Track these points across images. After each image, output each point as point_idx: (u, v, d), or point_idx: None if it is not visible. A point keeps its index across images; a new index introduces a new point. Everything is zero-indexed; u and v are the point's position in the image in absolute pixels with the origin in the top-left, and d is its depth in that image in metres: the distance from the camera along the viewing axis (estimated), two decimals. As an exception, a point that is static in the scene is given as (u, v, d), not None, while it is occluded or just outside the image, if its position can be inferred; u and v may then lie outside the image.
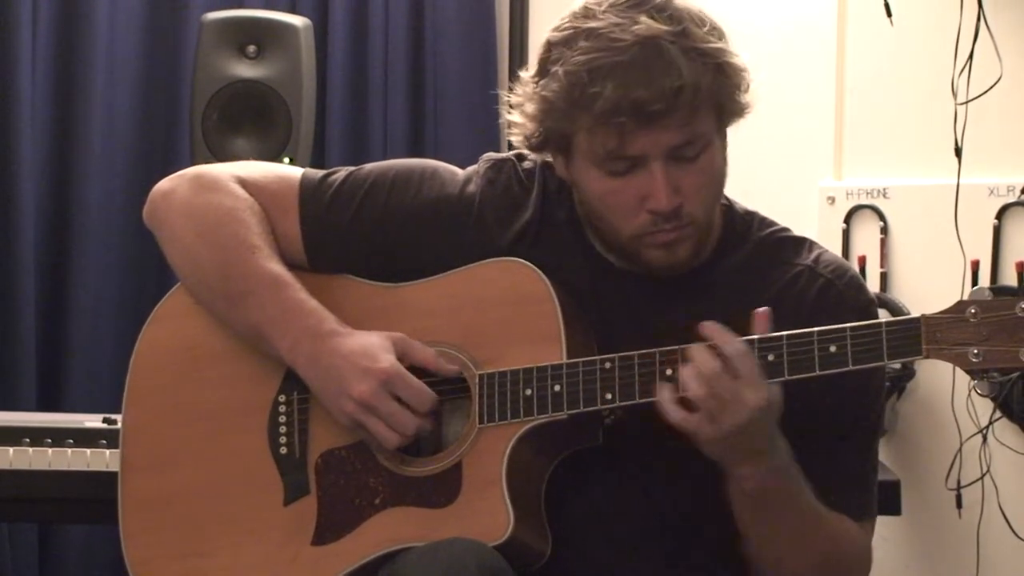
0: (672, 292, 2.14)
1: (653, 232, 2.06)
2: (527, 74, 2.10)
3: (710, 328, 1.97)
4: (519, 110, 2.10)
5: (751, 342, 1.97)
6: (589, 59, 1.98)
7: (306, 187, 2.25)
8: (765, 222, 2.21)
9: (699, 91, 1.99)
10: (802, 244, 2.19)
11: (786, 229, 2.21)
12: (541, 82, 2.05)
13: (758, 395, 1.94)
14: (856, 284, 2.16)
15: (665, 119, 1.98)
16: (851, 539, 2.14)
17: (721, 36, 2.05)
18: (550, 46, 2.06)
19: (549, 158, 2.16)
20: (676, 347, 2.01)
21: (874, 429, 2.20)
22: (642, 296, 2.15)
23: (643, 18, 1.99)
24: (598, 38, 1.99)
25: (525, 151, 2.20)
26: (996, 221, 3.54)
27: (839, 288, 2.14)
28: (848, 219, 3.72)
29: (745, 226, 2.19)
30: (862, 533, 2.16)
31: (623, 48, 1.98)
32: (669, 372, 2.00)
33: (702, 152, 2.04)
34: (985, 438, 3.51)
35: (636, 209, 2.05)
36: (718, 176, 2.09)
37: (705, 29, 2.02)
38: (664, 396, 1.97)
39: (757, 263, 2.16)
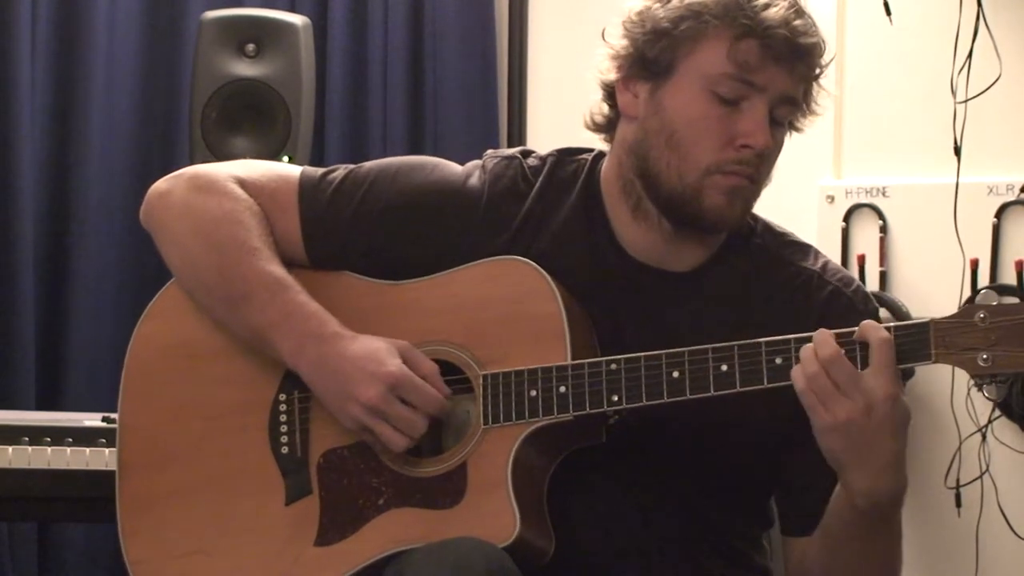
0: (679, 286, 2.16)
1: (728, 172, 2.08)
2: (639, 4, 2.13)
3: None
4: (637, 18, 2.12)
5: (758, 345, 1.98)
6: None
7: (305, 185, 2.24)
8: (769, 225, 2.23)
9: (823, 57, 2.12)
10: (808, 250, 2.21)
11: (790, 233, 2.23)
12: None
13: (883, 388, 1.91)
14: (863, 294, 2.19)
15: (800, 61, 2.09)
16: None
17: None
18: None
19: (614, 90, 2.16)
20: (682, 349, 2.01)
21: None
22: (649, 287, 2.15)
23: None
24: None
25: (529, 148, 2.24)
26: (995, 220, 3.54)
27: (848, 296, 2.16)
28: (847, 218, 3.73)
29: (750, 228, 2.20)
30: None
31: None
32: (676, 375, 2.01)
33: (786, 122, 2.13)
34: (984, 437, 3.51)
35: (724, 142, 2.08)
36: (779, 154, 2.15)
37: None
38: (795, 369, 1.95)
39: (763, 264, 2.18)
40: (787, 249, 2.20)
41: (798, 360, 1.96)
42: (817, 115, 2.15)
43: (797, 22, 2.07)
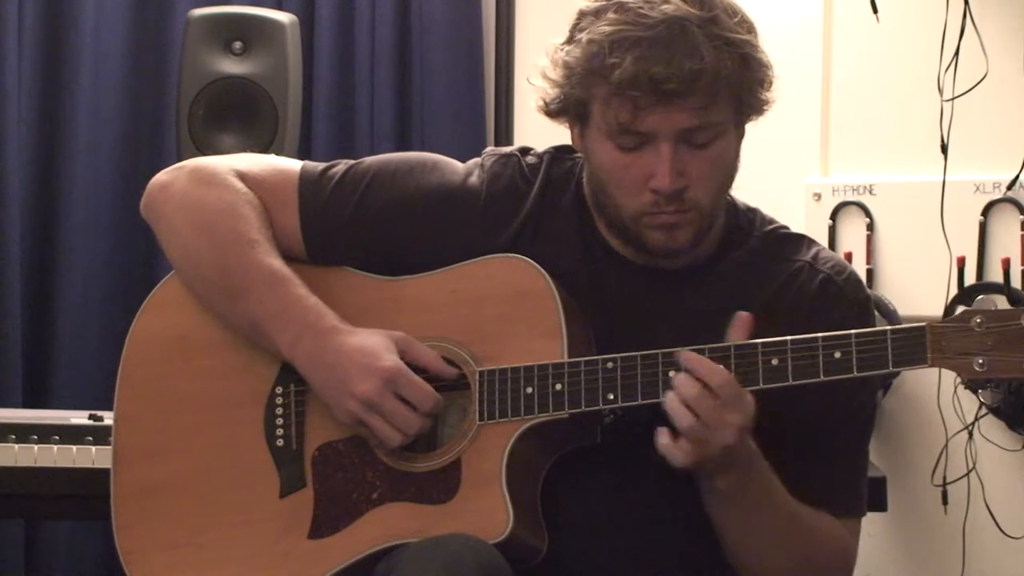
0: (675, 284, 2.15)
1: (654, 213, 2.07)
2: (556, 41, 2.11)
3: (688, 357, 1.99)
4: (543, 74, 2.11)
5: (755, 346, 1.99)
6: (614, 30, 2.00)
7: (306, 180, 2.24)
8: (766, 219, 2.23)
9: (718, 78, 2.00)
10: (801, 241, 2.21)
11: (785, 227, 2.23)
12: (566, 48, 2.06)
13: (742, 414, 1.96)
14: (855, 280, 2.18)
15: (680, 100, 1.99)
16: (831, 536, 2.14)
17: (751, 30, 2.06)
18: (581, 15, 2.07)
19: (565, 125, 2.16)
20: (679, 349, 2.01)
21: (864, 428, 2.21)
22: (644, 286, 2.15)
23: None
24: (626, 12, 2.01)
25: (527, 146, 2.25)
26: (982, 218, 3.55)
27: (839, 284, 2.16)
28: (834, 216, 3.73)
29: (747, 222, 2.21)
30: (844, 531, 2.16)
31: (649, 25, 1.99)
32: (672, 374, 2.01)
33: (714, 140, 2.05)
34: (971, 434, 3.52)
35: (640, 187, 2.06)
36: (728, 167, 2.10)
37: (735, 20, 2.04)
38: (677, 411, 1.98)
39: (758, 259, 2.18)
40: (782, 242, 2.20)
41: (794, 360, 1.97)
42: (770, 102, 2.09)
43: (655, 69, 1.97)
